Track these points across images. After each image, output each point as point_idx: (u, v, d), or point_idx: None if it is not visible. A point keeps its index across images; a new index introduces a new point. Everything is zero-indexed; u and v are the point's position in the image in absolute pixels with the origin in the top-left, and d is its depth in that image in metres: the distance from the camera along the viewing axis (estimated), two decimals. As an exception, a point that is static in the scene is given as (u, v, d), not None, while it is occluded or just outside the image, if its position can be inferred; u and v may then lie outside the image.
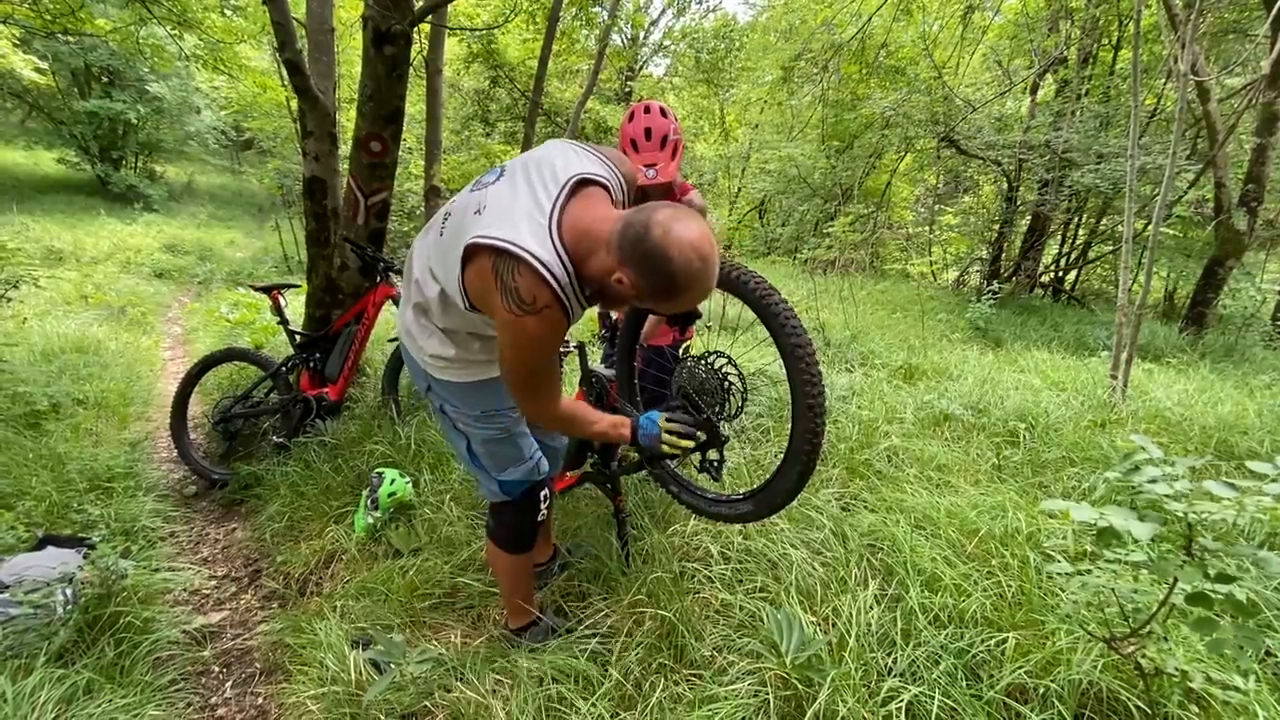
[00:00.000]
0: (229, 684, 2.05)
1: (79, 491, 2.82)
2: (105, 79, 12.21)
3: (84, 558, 2.29)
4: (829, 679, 1.45)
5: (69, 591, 2.07)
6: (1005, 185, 7.72)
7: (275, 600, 2.41)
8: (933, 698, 1.43)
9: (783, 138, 10.01)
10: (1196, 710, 1.38)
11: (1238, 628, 0.72)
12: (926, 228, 9.33)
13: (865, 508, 2.34)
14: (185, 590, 2.49)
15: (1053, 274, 10.05)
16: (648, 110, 2.18)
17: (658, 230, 1.11)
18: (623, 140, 2.21)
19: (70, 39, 6.11)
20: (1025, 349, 4.98)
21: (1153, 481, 0.82)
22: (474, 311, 1.29)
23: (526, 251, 1.14)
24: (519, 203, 1.21)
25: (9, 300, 4.65)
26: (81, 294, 6.95)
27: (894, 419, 3.15)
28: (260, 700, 1.97)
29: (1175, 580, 0.78)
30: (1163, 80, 7.49)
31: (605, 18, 5.76)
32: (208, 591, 2.53)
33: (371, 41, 2.86)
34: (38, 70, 8.44)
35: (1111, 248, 9.07)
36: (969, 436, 3.02)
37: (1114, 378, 3.53)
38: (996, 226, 8.26)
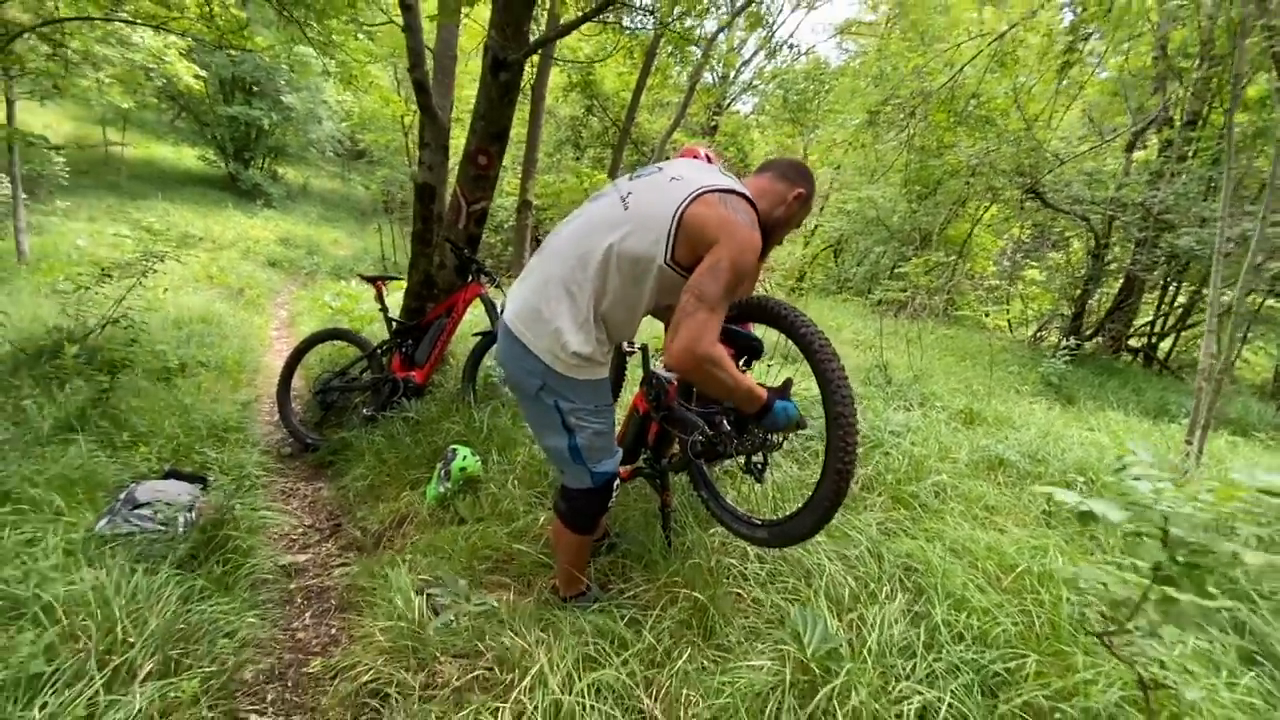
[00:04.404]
0: (308, 614, 2.32)
1: (200, 437, 3.24)
2: (249, 88, 13.70)
3: (201, 490, 2.66)
4: (845, 669, 1.55)
5: (191, 515, 2.42)
6: (1093, 242, 7.45)
7: (352, 549, 2.69)
8: (944, 701, 1.50)
9: (864, 179, 10.02)
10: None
11: (1197, 606, 0.80)
12: (1006, 280, 9.07)
13: (906, 534, 2.39)
14: (278, 533, 2.81)
15: (1146, 339, 9.52)
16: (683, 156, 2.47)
17: (790, 159, 1.85)
18: None
19: (230, 53, 6.99)
20: (1099, 409, 4.81)
21: (1136, 479, 0.91)
22: (674, 268, 1.58)
23: (745, 193, 1.64)
24: (707, 174, 1.67)
25: (155, 272, 5.33)
26: (208, 274, 7.79)
27: (946, 458, 3.17)
28: (334, 630, 2.23)
29: (1156, 568, 0.86)
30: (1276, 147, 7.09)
31: (699, 56, 6.09)
32: (295, 537, 2.85)
33: (489, 68, 3.23)
34: (196, 77, 9.62)
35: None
36: (1022, 483, 3.00)
37: (1189, 443, 3.40)
38: (1082, 283, 7.96)
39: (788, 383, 1.75)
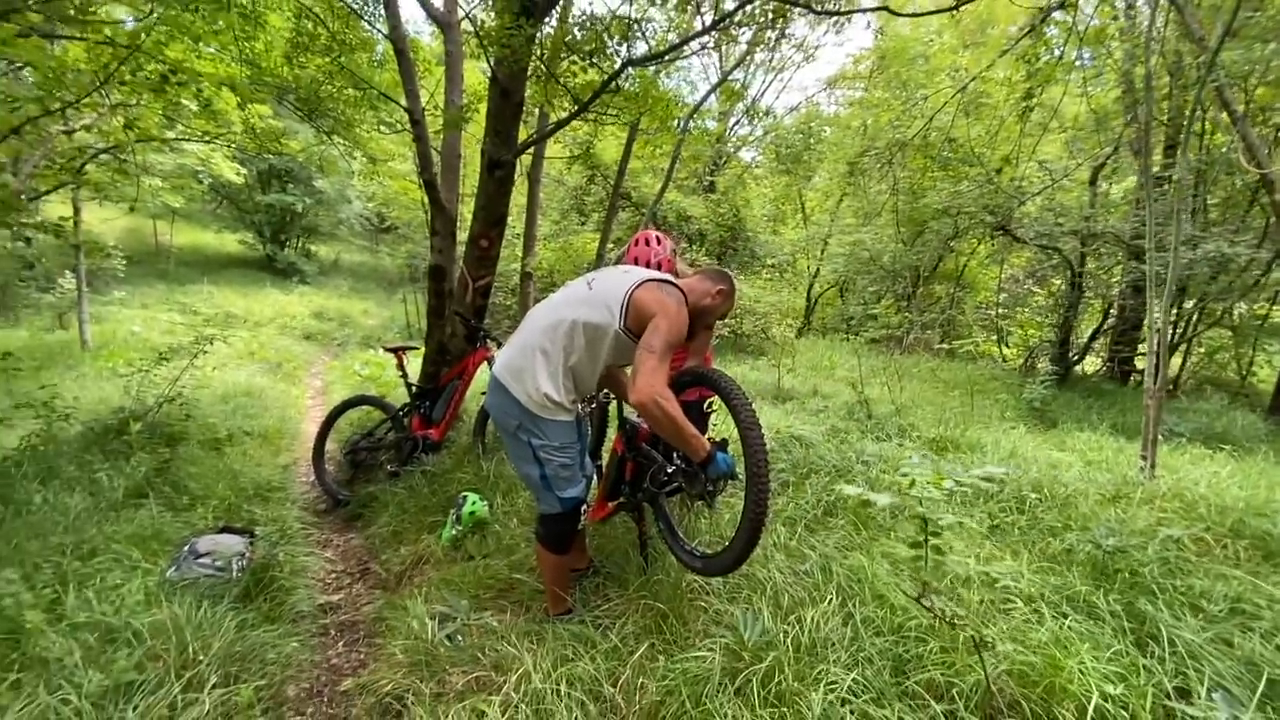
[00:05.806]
0: (341, 643, 2.71)
1: (247, 497, 3.71)
2: (284, 178, 14.97)
3: (249, 542, 3.10)
4: (772, 656, 1.88)
5: (243, 562, 2.86)
6: (1069, 272, 7.75)
7: (379, 588, 3.09)
8: (849, 678, 1.81)
9: (859, 223, 10.50)
10: None
11: (933, 562, 1.13)
12: (997, 310, 9.33)
13: (859, 550, 2.70)
14: (315, 576, 3.23)
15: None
16: (636, 243, 2.89)
17: (717, 268, 2.45)
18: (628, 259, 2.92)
19: (270, 156, 7.88)
20: (1078, 430, 5.03)
21: (904, 475, 1.26)
22: (626, 334, 2.07)
23: (676, 283, 2.20)
24: (650, 271, 2.25)
25: (205, 353, 5.96)
26: (250, 351, 8.50)
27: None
28: (362, 656, 2.61)
29: (925, 537, 1.20)
30: (1246, 174, 7.37)
31: (680, 132, 6.73)
32: (329, 580, 3.26)
33: (485, 167, 3.79)
34: (236, 174, 10.67)
35: (1226, 336, 8.66)
36: (976, 503, 3.27)
37: (1144, 457, 3.65)
38: (1063, 311, 8.22)
39: (724, 440, 2.15)
